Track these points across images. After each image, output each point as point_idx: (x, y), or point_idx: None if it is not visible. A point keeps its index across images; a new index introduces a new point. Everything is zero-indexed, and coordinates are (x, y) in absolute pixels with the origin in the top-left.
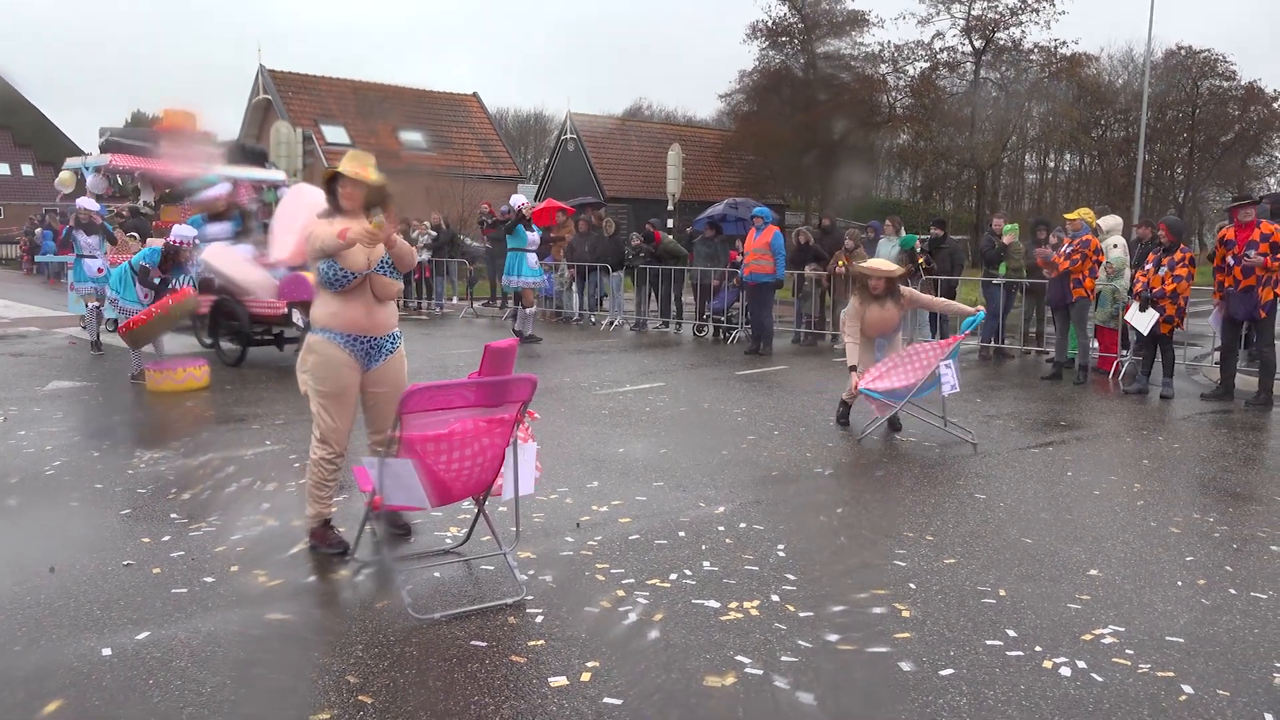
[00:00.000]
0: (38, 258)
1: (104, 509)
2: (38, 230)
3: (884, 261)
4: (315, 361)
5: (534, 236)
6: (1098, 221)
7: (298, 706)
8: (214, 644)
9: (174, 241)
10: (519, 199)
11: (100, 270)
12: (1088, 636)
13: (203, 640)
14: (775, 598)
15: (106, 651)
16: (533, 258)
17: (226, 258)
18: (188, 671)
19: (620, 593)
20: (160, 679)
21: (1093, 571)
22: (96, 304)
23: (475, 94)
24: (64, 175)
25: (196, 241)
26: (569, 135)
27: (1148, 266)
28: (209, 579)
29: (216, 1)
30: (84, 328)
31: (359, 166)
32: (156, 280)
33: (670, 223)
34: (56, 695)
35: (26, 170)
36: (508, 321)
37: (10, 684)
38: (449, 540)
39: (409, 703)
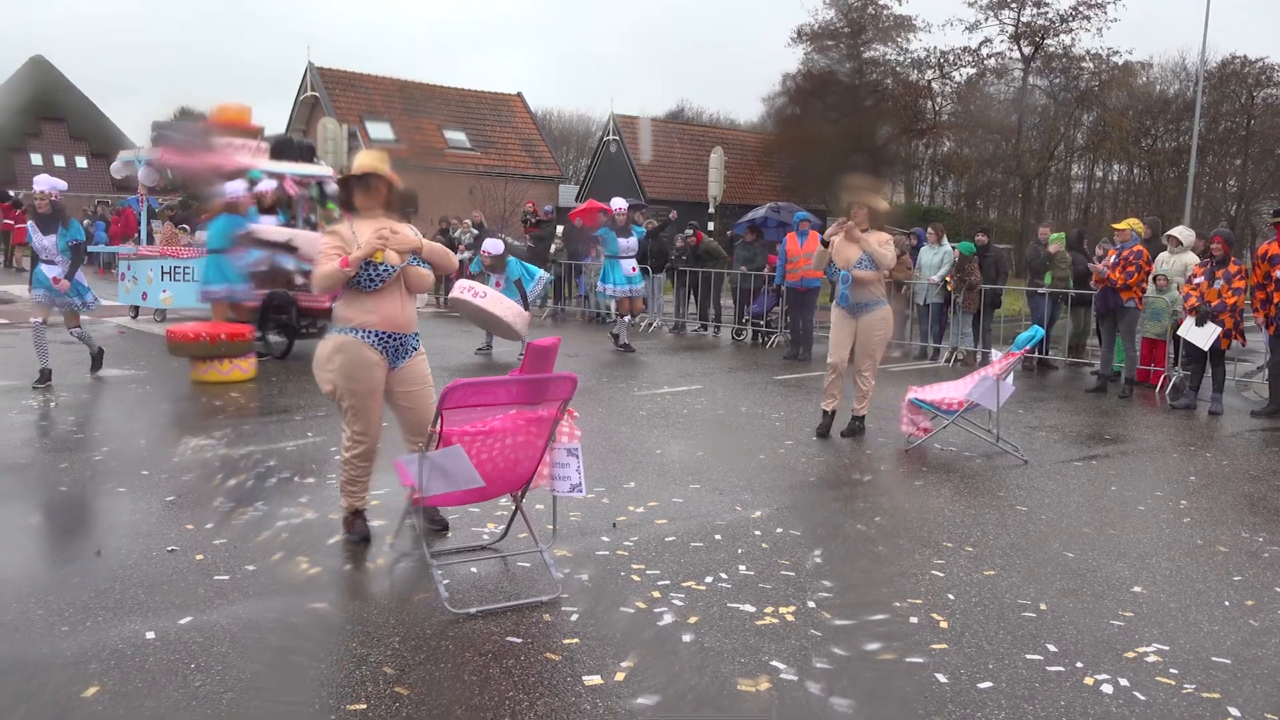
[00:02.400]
0: (89, 247)
1: (150, 495)
2: (86, 221)
3: (879, 199)
4: (345, 361)
5: (627, 242)
6: (1173, 233)
7: (335, 696)
8: (254, 630)
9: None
10: (618, 202)
11: (56, 280)
12: (1131, 654)
13: (243, 627)
14: (811, 604)
15: (150, 635)
16: (626, 265)
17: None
18: (228, 657)
19: (655, 594)
20: (201, 663)
21: (1136, 588)
22: (42, 320)
23: (519, 94)
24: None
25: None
26: (611, 137)
27: (1198, 280)
28: (250, 566)
29: (272, 1)
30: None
31: (374, 162)
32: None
33: (711, 225)
34: (100, 676)
35: (80, 162)
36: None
37: (56, 664)
38: (486, 536)
39: (444, 696)
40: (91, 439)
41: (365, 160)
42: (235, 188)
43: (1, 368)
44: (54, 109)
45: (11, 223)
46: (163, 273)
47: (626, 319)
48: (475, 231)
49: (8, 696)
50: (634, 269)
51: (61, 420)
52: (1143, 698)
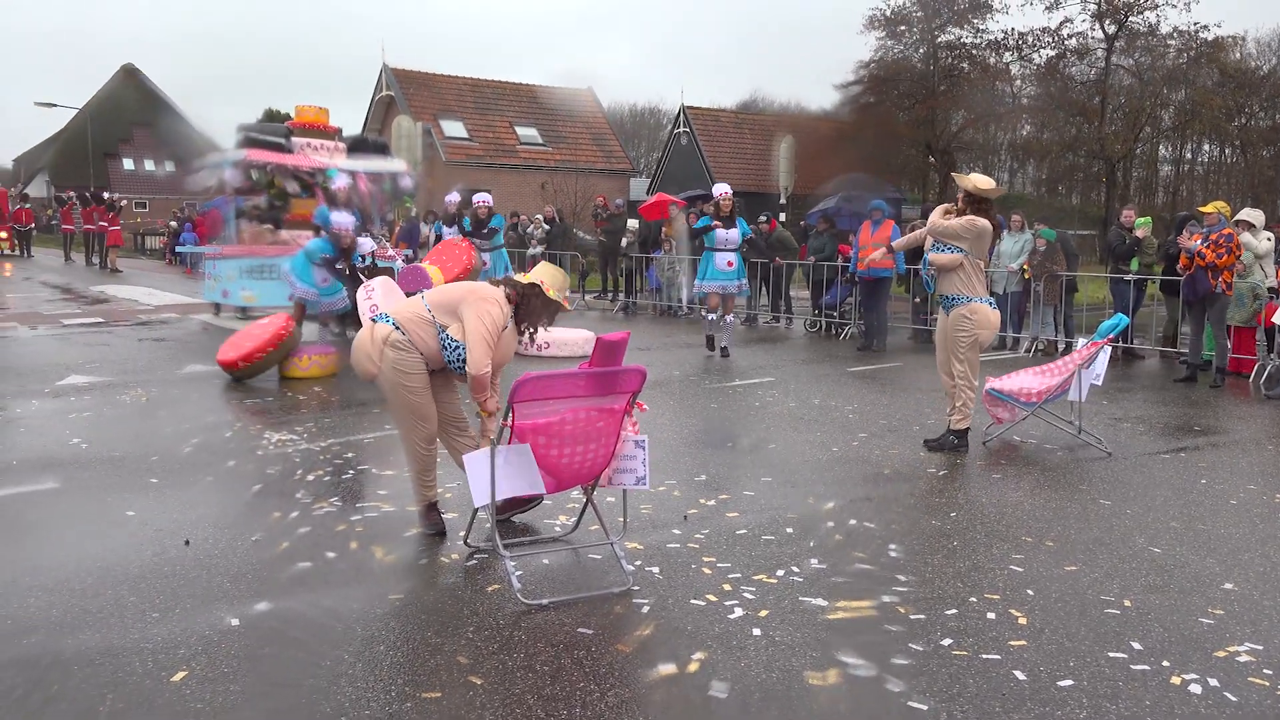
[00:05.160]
0: (177, 248)
1: (235, 487)
2: (173, 223)
3: (985, 179)
4: (397, 359)
5: (728, 234)
6: (1243, 216)
7: (412, 684)
8: (334, 618)
9: (338, 230)
10: (721, 188)
11: None
12: (1221, 653)
13: (323, 614)
14: (886, 598)
15: (234, 622)
16: (723, 258)
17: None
18: (309, 643)
19: (726, 587)
20: (282, 650)
21: (1227, 585)
22: None
23: (590, 88)
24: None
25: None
26: (681, 129)
27: None
28: (331, 554)
29: (363, 3)
30: None
31: (561, 292)
32: (339, 268)
33: (783, 216)
34: (189, 661)
35: (169, 166)
36: (711, 329)
37: (148, 649)
38: (558, 528)
39: (516, 686)
40: (180, 432)
41: (549, 285)
42: (342, 220)
43: (97, 365)
44: (144, 115)
45: (106, 224)
46: (246, 271)
47: (712, 317)
48: (546, 226)
49: (100, 683)
50: (730, 263)
51: (152, 415)
52: (1234, 699)
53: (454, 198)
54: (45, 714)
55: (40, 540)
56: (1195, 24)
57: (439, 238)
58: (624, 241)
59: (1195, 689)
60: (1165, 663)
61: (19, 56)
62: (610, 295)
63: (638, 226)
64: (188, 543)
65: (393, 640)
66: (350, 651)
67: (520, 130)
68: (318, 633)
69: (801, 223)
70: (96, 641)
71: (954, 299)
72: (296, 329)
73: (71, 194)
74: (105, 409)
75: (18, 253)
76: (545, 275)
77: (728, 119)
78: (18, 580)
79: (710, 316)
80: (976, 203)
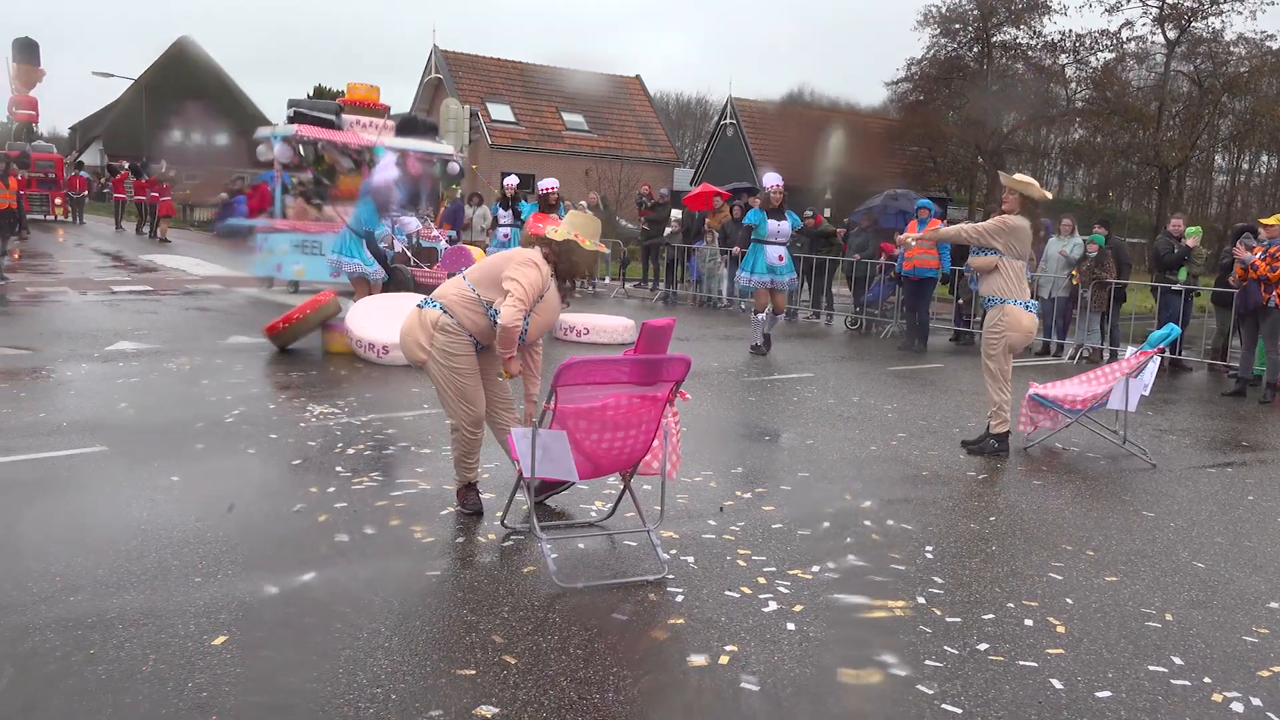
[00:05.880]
0: (229, 220)
1: (278, 458)
2: (224, 195)
3: (1031, 183)
4: (448, 343)
5: (780, 226)
6: None
7: (446, 660)
8: (372, 591)
9: (379, 184)
10: (773, 178)
11: None
12: (1265, 673)
13: (362, 587)
14: (921, 600)
15: (274, 589)
16: (773, 251)
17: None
18: (347, 615)
19: (761, 580)
20: (321, 620)
21: (1273, 604)
22: None
23: (638, 76)
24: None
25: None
26: (728, 120)
27: None
28: (369, 530)
29: None
30: None
31: (596, 239)
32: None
33: (828, 211)
34: (229, 626)
35: (221, 139)
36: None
37: (190, 613)
38: (594, 513)
39: (550, 667)
40: (224, 402)
41: (585, 238)
42: (386, 176)
43: (144, 332)
44: (198, 88)
45: (157, 195)
46: (295, 246)
47: (762, 316)
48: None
49: (142, 644)
50: (781, 257)
51: (196, 384)
52: (1277, 719)
53: (512, 180)
54: (86, 673)
55: (87, 501)
56: (1261, 32)
57: (495, 221)
58: (667, 231)
59: (1238, 707)
60: (1207, 679)
61: (79, 26)
62: (651, 284)
63: (681, 216)
64: (231, 509)
65: (429, 616)
66: (387, 625)
67: (566, 116)
68: (355, 605)
69: (846, 220)
70: (140, 603)
71: (990, 300)
72: (337, 298)
73: (125, 163)
74: (152, 375)
75: (70, 219)
76: (578, 226)
77: (774, 111)
78: (65, 539)
79: (759, 316)
80: (1023, 203)
